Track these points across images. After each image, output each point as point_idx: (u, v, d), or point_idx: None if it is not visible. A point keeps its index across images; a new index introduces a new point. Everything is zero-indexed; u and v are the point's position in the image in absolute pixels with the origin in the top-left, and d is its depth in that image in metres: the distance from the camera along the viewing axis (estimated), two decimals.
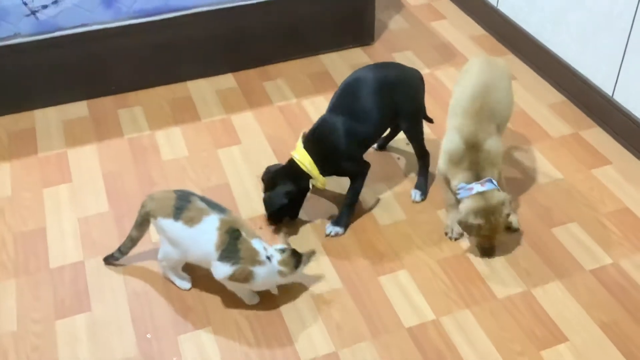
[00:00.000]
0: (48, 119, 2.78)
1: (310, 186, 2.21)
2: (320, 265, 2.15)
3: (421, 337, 1.93)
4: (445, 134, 2.15)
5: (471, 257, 2.17)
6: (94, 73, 2.83)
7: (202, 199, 1.97)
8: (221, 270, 1.92)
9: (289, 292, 2.06)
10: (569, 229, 2.26)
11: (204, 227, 1.91)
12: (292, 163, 2.20)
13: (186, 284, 2.07)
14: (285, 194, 2.17)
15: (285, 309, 2.02)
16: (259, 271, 1.91)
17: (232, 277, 1.92)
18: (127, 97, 2.88)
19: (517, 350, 1.90)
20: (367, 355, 1.89)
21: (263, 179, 2.26)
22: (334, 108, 2.22)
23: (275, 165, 2.30)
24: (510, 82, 2.26)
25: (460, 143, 2.06)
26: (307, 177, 2.19)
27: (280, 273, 1.94)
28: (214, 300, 2.04)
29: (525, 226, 2.27)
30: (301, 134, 2.25)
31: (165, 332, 1.96)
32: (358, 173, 2.24)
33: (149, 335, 1.95)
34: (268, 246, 1.96)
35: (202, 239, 1.91)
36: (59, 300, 2.05)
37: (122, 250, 2.10)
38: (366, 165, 2.26)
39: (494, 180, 2.06)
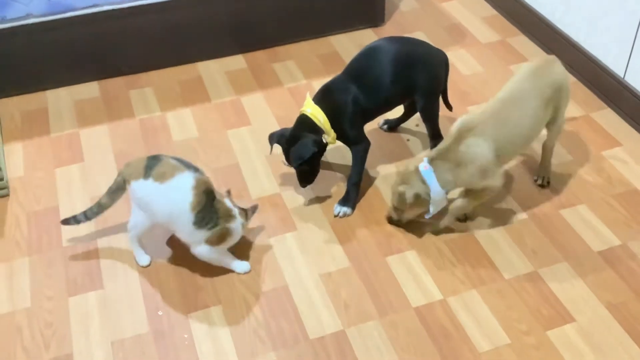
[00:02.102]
0: (60, 100, 2.80)
1: (324, 141, 2.20)
2: (328, 245, 2.17)
3: (428, 317, 1.95)
4: None
5: (479, 237, 2.18)
6: (105, 54, 2.84)
7: (175, 158, 1.98)
8: (198, 237, 1.95)
9: (297, 270, 2.09)
10: (577, 210, 2.26)
11: (177, 184, 1.92)
12: (304, 118, 2.20)
13: (145, 260, 2.10)
14: (312, 145, 2.14)
15: (293, 288, 2.04)
16: (234, 226, 1.97)
17: (209, 240, 1.96)
18: (138, 78, 2.90)
19: (524, 330, 1.91)
20: (375, 334, 1.91)
21: (272, 141, 2.26)
22: (348, 71, 2.24)
23: (284, 129, 2.27)
24: (542, 103, 2.09)
25: (455, 127, 2.05)
26: (320, 131, 2.19)
27: (243, 225, 2.01)
28: (224, 279, 2.07)
29: (534, 207, 2.27)
30: (308, 93, 2.27)
31: (176, 310, 1.99)
32: (357, 142, 2.24)
33: (160, 313, 1.98)
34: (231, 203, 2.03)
35: (174, 195, 1.92)
36: (72, 277, 2.09)
37: (88, 215, 2.10)
38: (366, 140, 2.26)
39: (433, 176, 2.00)
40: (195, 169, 1.96)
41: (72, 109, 2.75)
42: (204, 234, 1.95)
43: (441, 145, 2.05)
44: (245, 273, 2.07)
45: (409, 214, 2.14)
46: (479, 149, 2.00)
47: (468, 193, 2.11)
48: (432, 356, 1.86)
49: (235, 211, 1.99)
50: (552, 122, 2.20)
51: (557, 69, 2.17)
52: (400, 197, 2.05)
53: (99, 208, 2.09)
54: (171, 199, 1.92)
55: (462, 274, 2.07)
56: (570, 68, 2.86)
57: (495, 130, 2.02)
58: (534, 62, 2.18)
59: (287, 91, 2.82)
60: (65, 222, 2.14)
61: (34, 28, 2.66)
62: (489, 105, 2.08)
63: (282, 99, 2.78)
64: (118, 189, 2.04)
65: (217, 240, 1.97)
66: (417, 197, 2.03)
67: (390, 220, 2.20)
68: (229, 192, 2.05)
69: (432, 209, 2.07)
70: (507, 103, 2.07)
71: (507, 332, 1.91)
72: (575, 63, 2.83)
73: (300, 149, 2.15)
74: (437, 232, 2.18)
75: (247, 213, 2.05)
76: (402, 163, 2.45)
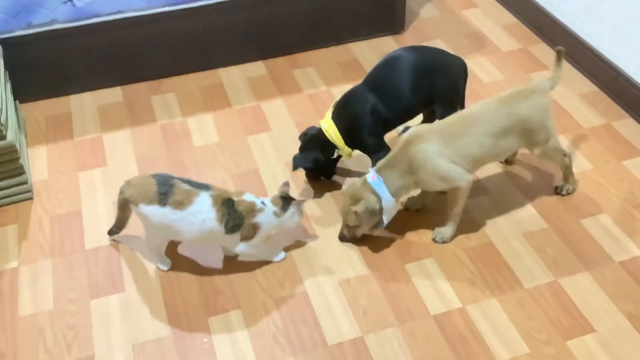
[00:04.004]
0: (83, 104, 2.84)
1: (336, 155, 2.29)
2: (347, 252, 2.18)
3: (447, 325, 1.95)
4: None
5: (498, 246, 2.18)
6: (128, 59, 2.88)
7: (183, 180, 2.00)
8: (233, 240, 2.02)
9: (316, 277, 2.10)
10: (598, 220, 2.25)
11: (198, 208, 1.96)
12: (320, 132, 2.28)
13: (166, 265, 2.13)
14: (311, 160, 2.26)
15: (313, 294, 2.05)
16: (261, 218, 2.01)
17: (242, 237, 2.01)
18: (160, 84, 2.93)
19: (543, 340, 1.91)
20: (393, 341, 1.92)
21: (300, 139, 2.35)
22: (368, 81, 2.27)
23: (312, 127, 2.35)
24: (498, 130, 2.05)
25: (404, 136, 2.06)
26: (332, 146, 2.26)
27: (275, 214, 2.04)
28: (243, 284, 2.08)
29: (554, 216, 2.27)
30: (332, 103, 2.31)
31: (196, 314, 2.01)
32: (377, 151, 2.26)
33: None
34: (259, 197, 2.06)
35: (198, 219, 1.96)
36: (94, 280, 2.11)
37: (118, 227, 2.18)
38: (387, 147, 2.27)
39: (383, 185, 2.01)
40: (206, 187, 2.00)
41: (95, 113, 2.79)
42: (236, 236, 2.01)
43: (389, 155, 2.07)
44: (282, 260, 2.14)
45: (364, 229, 2.13)
46: (427, 154, 2.01)
47: (448, 197, 2.13)
48: None
49: (260, 204, 2.02)
50: (531, 150, 2.16)
51: (529, 103, 2.07)
52: (356, 215, 2.04)
53: (120, 222, 2.15)
54: (197, 223, 1.96)
55: (482, 283, 2.07)
56: (590, 76, 2.85)
57: (442, 140, 2.02)
58: (515, 88, 2.13)
59: (307, 97, 2.83)
60: (110, 233, 2.21)
61: (59, 34, 2.70)
62: (447, 118, 2.10)
63: (302, 105, 2.79)
64: (124, 207, 2.08)
65: (249, 235, 2.02)
66: (371, 212, 2.04)
67: (344, 238, 2.19)
68: (287, 184, 2.11)
69: (386, 219, 2.07)
70: (463, 119, 2.07)
71: (527, 341, 1.90)
72: (596, 72, 2.82)
73: (297, 159, 2.28)
74: (447, 241, 2.19)
75: (285, 202, 2.05)
76: None
